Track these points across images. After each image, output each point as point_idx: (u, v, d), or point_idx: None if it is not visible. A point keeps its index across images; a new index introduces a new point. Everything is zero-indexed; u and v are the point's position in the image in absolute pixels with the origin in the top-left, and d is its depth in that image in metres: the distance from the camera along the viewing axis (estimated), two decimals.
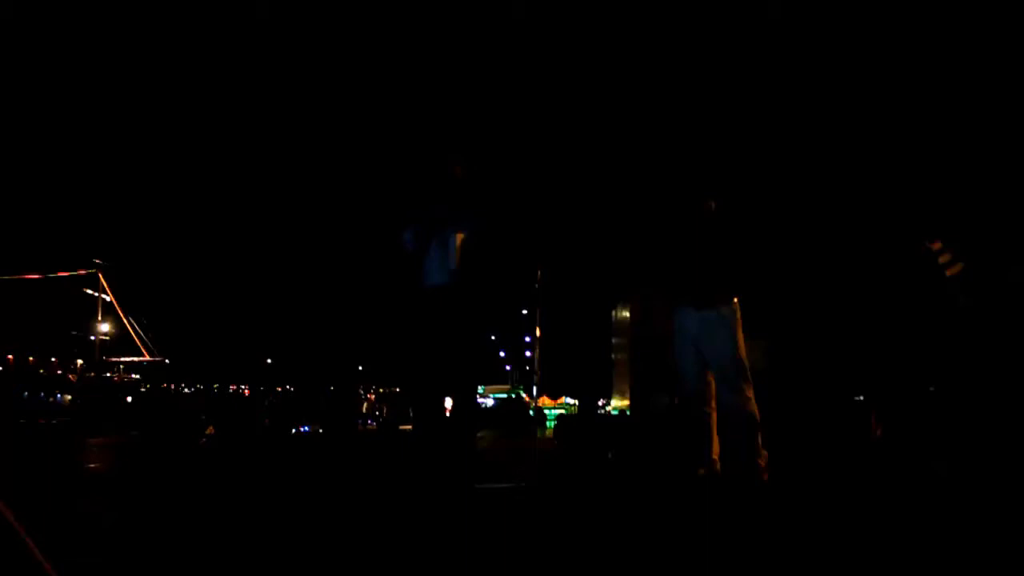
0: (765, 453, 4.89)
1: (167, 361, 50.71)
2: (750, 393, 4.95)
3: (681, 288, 5.24)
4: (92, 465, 7.37)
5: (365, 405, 25.87)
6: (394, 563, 3.05)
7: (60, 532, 3.58)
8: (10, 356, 43.34)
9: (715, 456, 5.15)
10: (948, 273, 5.20)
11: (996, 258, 5.23)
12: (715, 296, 5.07)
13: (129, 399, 30.17)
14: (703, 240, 5.13)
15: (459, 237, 5.30)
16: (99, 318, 47.98)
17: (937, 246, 5.21)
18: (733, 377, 4.96)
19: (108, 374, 46.58)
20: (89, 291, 47.39)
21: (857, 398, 10.72)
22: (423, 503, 4.43)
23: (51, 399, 30.18)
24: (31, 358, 44.27)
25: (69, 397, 31.65)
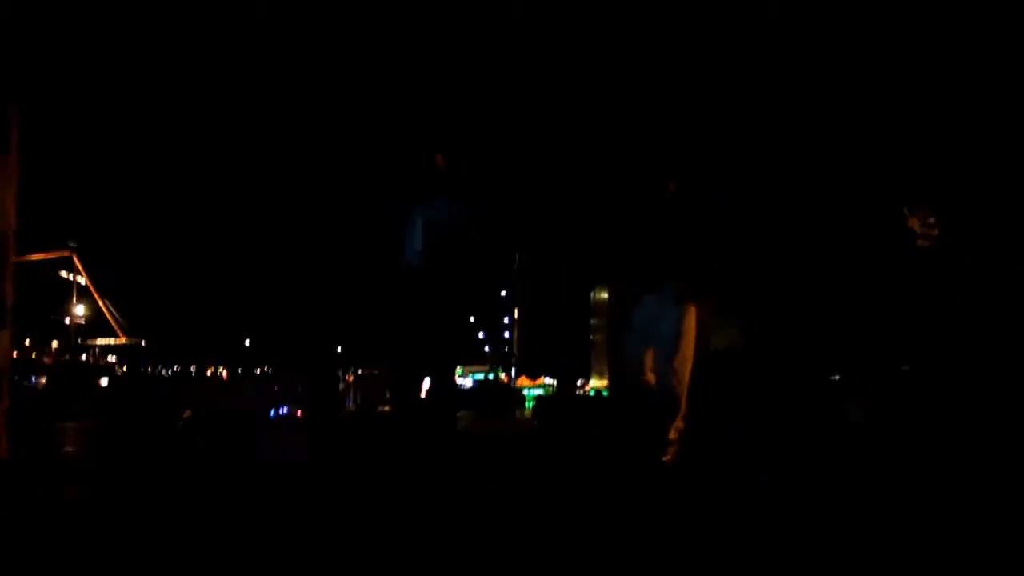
0: (679, 426, 5.02)
1: (143, 343, 50.36)
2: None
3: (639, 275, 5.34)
4: (68, 449, 7.32)
5: (343, 387, 25.82)
6: (375, 549, 3.03)
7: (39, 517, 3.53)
8: None
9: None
10: (919, 243, 5.16)
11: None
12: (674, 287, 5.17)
13: (104, 381, 29.97)
14: (664, 226, 5.20)
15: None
16: (74, 300, 47.61)
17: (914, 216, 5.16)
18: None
19: (83, 356, 46.25)
20: (64, 273, 46.97)
21: (832, 378, 10.75)
22: (406, 488, 4.40)
23: (25, 383, 29.89)
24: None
25: (44, 380, 31.40)
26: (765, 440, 5.72)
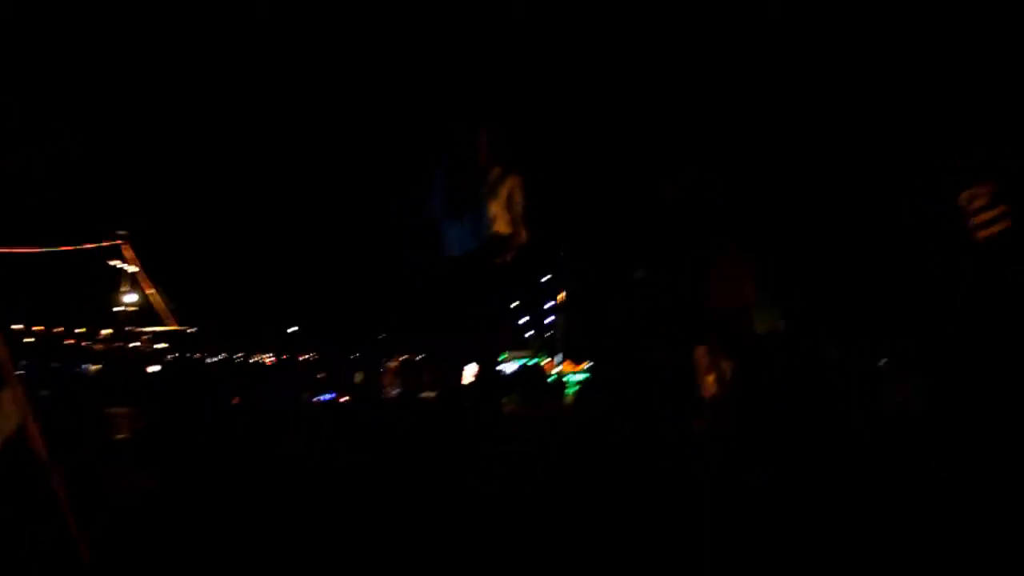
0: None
1: (191, 331, 51.06)
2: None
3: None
4: (120, 436, 7.43)
5: (388, 375, 25.96)
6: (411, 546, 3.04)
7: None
8: (39, 327, 43.80)
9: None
10: (981, 235, 5.03)
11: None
12: None
13: (154, 368, 30.44)
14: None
15: (492, 205, 5.31)
16: (124, 288, 48.39)
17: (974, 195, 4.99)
18: None
19: (133, 344, 47.03)
20: (114, 262, 47.72)
21: (881, 362, 10.58)
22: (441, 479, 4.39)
23: (77, 369, 30.45)
24: (58, 329, 44.80)
25: (95, 367, 31.95)
26: (767, 437, 5.69)
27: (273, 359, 52.89)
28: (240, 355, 53.82)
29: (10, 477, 2.38)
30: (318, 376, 26.03)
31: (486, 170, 5.40)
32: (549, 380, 29.67)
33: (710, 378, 6.41)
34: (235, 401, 12.86)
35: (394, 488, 4.11)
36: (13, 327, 39.01)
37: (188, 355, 45.74)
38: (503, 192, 5.37)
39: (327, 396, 20.90)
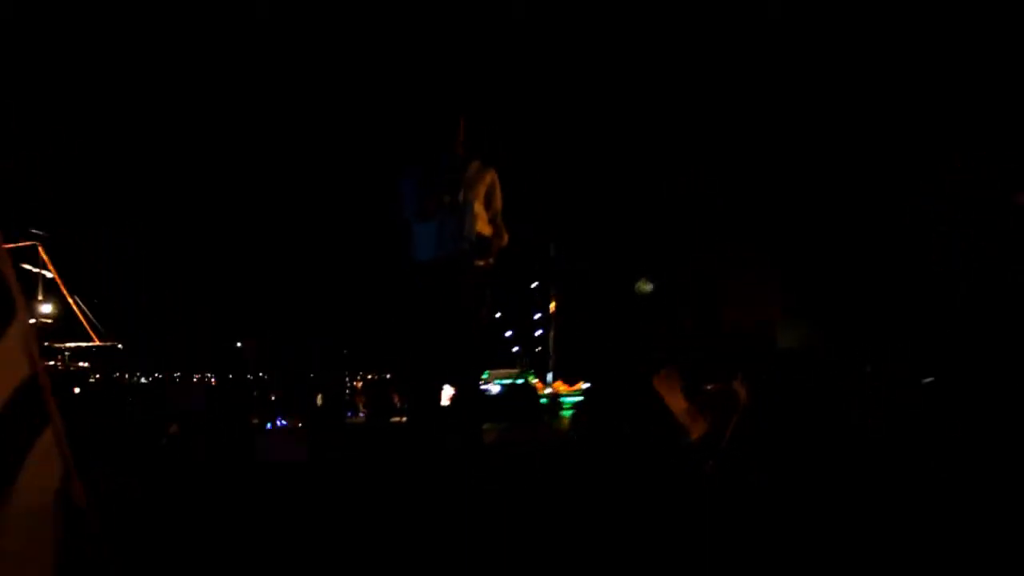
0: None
1: (120, 346, 50.83)
2: None
3: None
4: None
5: (349, 394, 25.96)
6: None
7: None
8: None
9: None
10: None
11: None
12: None
13: (77, 390, 30.28)
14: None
15: (482, 194, 5.36)
16: (40, 297, 48.07)
17: None
18: None
19: (52, 362, 46.74)
20: (28, 266, 47.46)
21: (925, 380, 10.67)
22: (422, 511, 4.42)
23: None
24: None
25: None
26: (766, 441, 5.79)
27: (214, 379, 52.73)
28: (178, 374, 53.65)
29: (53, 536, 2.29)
30: (271, 398, 26.00)
31: (464, 164, 5.43)
32: (542, 402, 29.71)
33: (686, 409, 6.53)
34: (173, 430, 12.80)
35: (357, 538, 4.12)
36: None
37: (116, 375, 45.53)
38: (481, 189, 5.40)
39: (281, 422, 20.87)
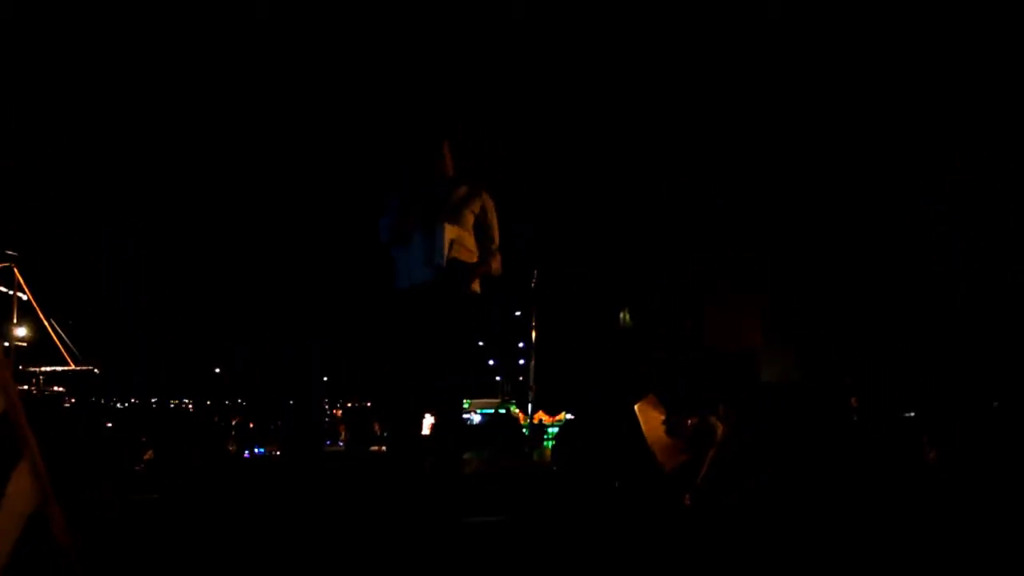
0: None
1: (96, 370, 50.49)
2: None
3: None
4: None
5: (328, 422, 25.85)
6: None
7: None
8: None
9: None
10: None
11: None
12: None
13: (50, 415, 30.01)
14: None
15: (449, 228, 5.30)
16: (14, 320, 47.74)
17: None
18: None
19: (25, 387, 46.29)
20: (2, 288, 47.18)
21: (907, 415, 10.73)
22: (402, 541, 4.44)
23: None
24: None
25: None
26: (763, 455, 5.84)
27: (192, 405, 52.41)
28: (155, 399, 53.26)
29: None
30: (249, 425, 25.87)
31: (450, 187, 5.43)
32: (524, 432, 29.68)
33: (664, 443, 6.58)
34: (148, 456, 12.76)
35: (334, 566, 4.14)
36: None
37: (92, 399, 45.20)
38: (468, 215, 5.39)
39: (259, 450, 20.80)
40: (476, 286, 5.41)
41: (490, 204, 5.51)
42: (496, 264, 5.49)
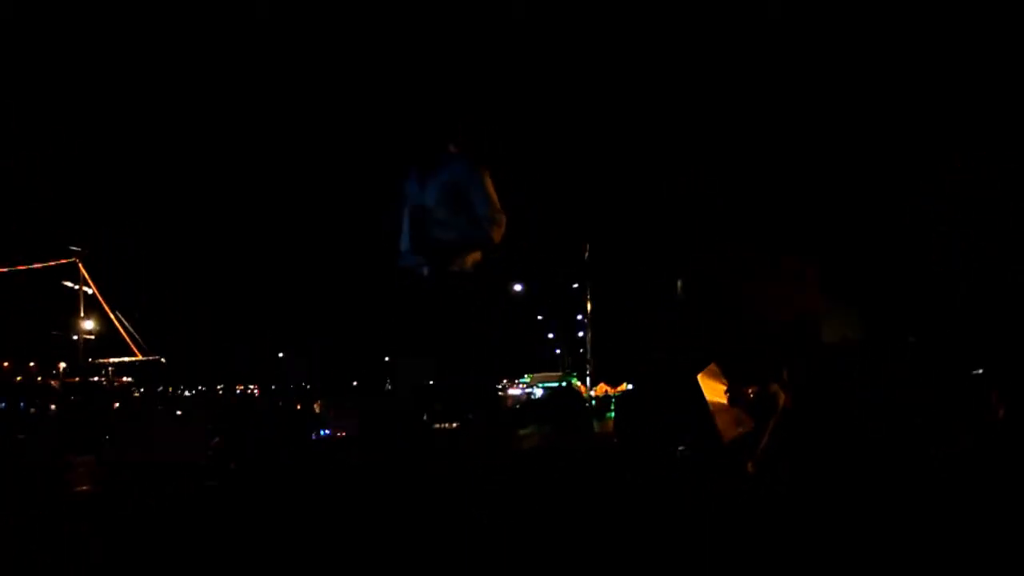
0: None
1: (163, 360, 51.23)
2: None
3: None
4: (82, 488, 7.49)
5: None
6: None
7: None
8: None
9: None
10: None
11: None
12: None
13: (117, 405, 30.55)
14: None
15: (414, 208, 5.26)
16: (81, 314, 48.43)
17: None
18: None
19: (96, 378, 47.09)
20: (68, 283, 47.89)
21: (975, 372, 10.53)
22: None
23: (32, 410, 30.62)
24: (5, 363, 44.93)
25: (54, 407, 32.00)
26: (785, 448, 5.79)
27: (258, 390, 53.04)
28: (221, 386, 54.05)
29: None
30: (315, 410, 26.15)
31: (443, 165, 5.33)
32: (586, 404, 29.69)
33: (725, 412, 6.52)
34: (216, 442, 12.92)
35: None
36: None
37: (159, 388, 45.95)
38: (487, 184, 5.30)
39: (324, 432, 20.98)
40: (466, 263, 5.27)
41: (475, 177, 5.36)
42: (498, 235, 5.34)
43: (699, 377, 7.14)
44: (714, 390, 7.11)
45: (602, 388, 33.65)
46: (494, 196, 5.27)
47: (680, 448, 8.00)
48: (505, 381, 58.07)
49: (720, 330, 6.88)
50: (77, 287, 47.60)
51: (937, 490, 4.88)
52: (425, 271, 5.19)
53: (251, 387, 55.60)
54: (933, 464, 5.41)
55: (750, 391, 6.87)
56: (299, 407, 27.71)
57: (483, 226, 5.20)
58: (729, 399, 7.06)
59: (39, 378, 45.05)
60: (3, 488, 6.29)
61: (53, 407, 31.88)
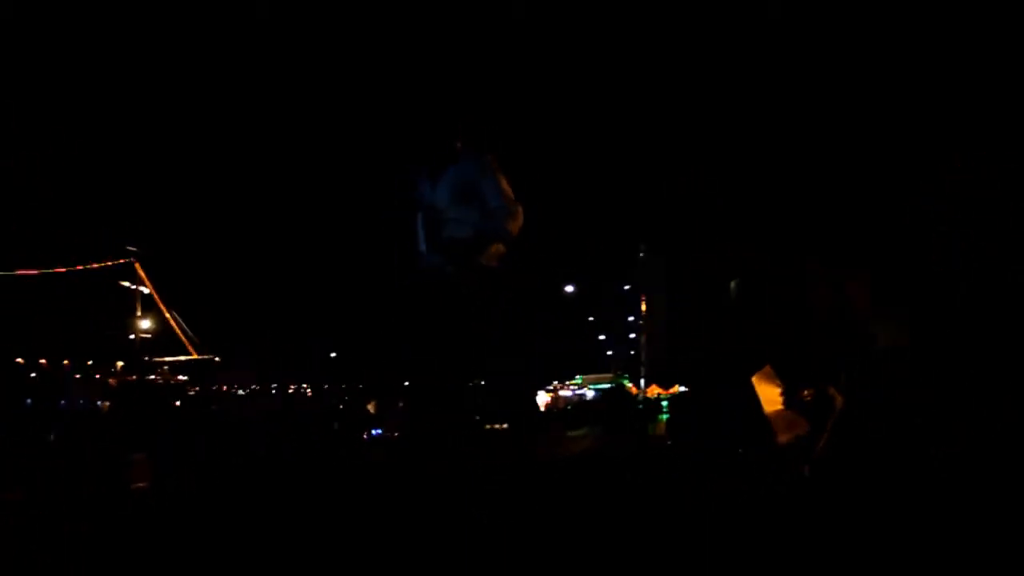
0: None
1: (217, 359, 51.88)
2: None
3: None
4: (139, 485, 7.60)
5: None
6: None
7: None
8: (43, 360, 44.78)
9: None
10: None
11: None
12: None
13: (177, 403, 30.96)
14: None
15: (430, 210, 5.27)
16: (138, 313, 49.17)
17: None
18: None
19: (151, 376, 47.77)
20: (125, 283, 48.62)
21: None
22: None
23: (90, 407, 31.13)
24: (65, 362, 45.71)
25: (108, 404, 32.51)
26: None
27: (311, 390, 53.46)
28: (274, 386, 54.54)
29: None
30: (368, 408, 26.26)
31: (474, 157, 5.32)
32: (638, 407, 29.58)
33: (781, 414, 6.47)
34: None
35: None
36: (15, 360, 40.01)
37: (213, 387, 46.50)
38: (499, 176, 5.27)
39: (376, 431, 21.07)
40: (488, 258, 5.23)
41: (482, 171, 5.31)
42: (514, 226, 5.30)
43: (754, 379, 7.09)
44: (769, 393, 7.06)
45: (653, 390, 33.52)
46: (506, 188, 5.25)
47: (740, 451, 7.95)
48: (556, 383, 58.18)
49: (776, 332, 6.83)
50: (134, 287, 48.32)
51: (937, 490, 4.86)
52: (449, 270, 5.19)
53: (304, 387, 56.04)
54: (933, 464, 5.36)
55: (806, 394, 6.82)
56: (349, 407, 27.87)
57: (497, 218, 5.17)
58: (784, 402, 7.02)
59: (96, 376, 45.81)
60: (65, 483, 6.38)
61: (107, 404, 32.38)
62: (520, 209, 5.24)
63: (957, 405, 6.03)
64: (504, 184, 5.25)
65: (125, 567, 3.84)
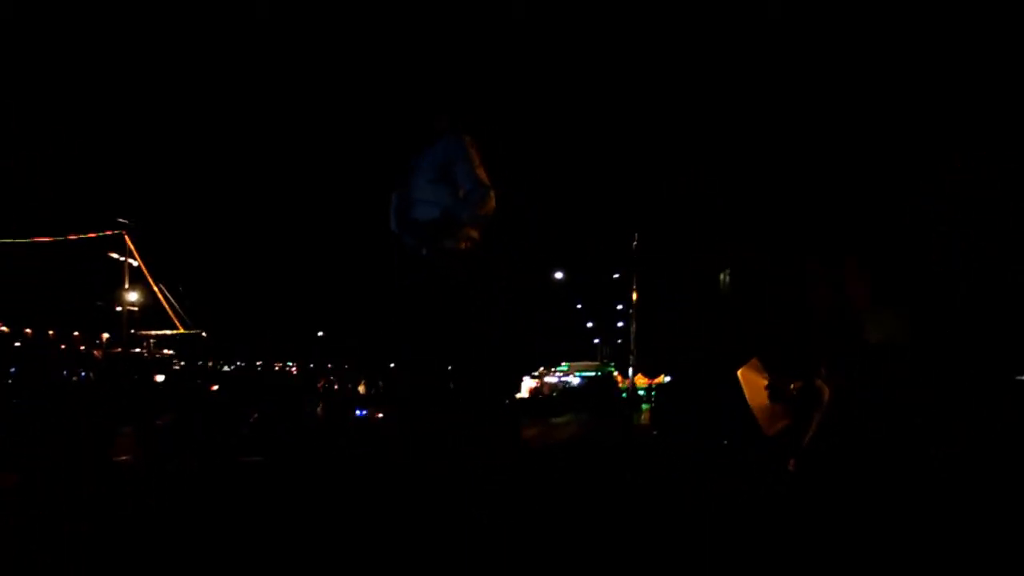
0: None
1: (204, 334, 51.68)
2: None
3: None
4: (122, 457, 7.60)
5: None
6: None
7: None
8: (27, 330, 44.58)
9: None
10: None
11: None
12: None
13: (160, 378, 30.90)
14: None
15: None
16: (126, 286, 48.88)
17: None
18: None
19: (137, 349, 47.62)
20: (114, 255, 48.33)
21: (1020, 378, 10.43)
22: None
23: (74, 378, 31.05)
24: (51, 332, 45.51)
25: (94, 377, 32.40)
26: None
27: (296, 368, 53.43)
28: (260, 363, 54.43)
29: None
30: (358, 388, 26.26)
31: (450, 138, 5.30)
32: (623, 395, 29.64)
33: (766, 407, 6.48)
34: (254, 418, 13.00)
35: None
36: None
37: (200, 362, 46.38)
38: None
39: (360, 412, 21.03)
40: (459, 241, 5.19)
41: (459, 151, 5.28)
42: (485, 210, 5.26)
43: (740, 371, 7.10)
44: (755, 384, 7.07)
45: (640, 379, 33.61)
46: (479, 171, 5.22)
47: (724, 441, 7.98)
48: (542, 369, 58.16)
49: (764, 324, 6.86)
50: (123, 259, 48.04)
51: (937, 490, 4.90)
52: (424, 251, 5.17)
53: (289, 364, 56.01)
54: (933, 464, 5.41)
55: (793, 386, 6.83)
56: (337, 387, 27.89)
57: (468, 201, 5.15)
58: (770, 394, 7.03)
59: (81, 347, 45.65)
60: (50, 454, 6.38)
61: (93, 375, 32.27)
62: (492, 193, 5.21)
63: (957, 405, 6.07)
64: (478, 167, 5.22)
65: (124, 567, 3.86)
